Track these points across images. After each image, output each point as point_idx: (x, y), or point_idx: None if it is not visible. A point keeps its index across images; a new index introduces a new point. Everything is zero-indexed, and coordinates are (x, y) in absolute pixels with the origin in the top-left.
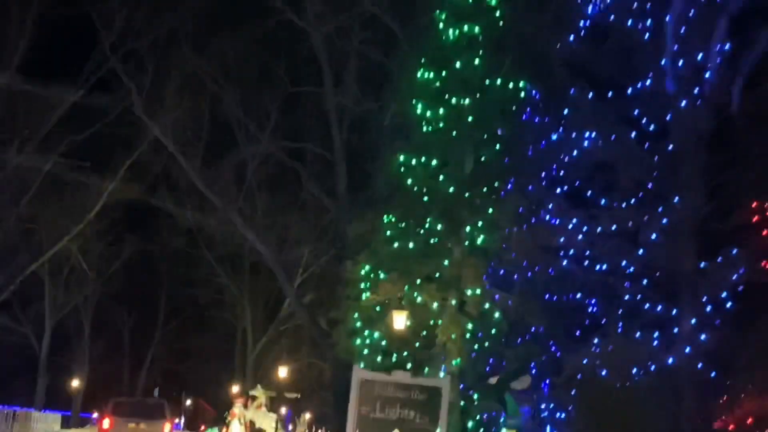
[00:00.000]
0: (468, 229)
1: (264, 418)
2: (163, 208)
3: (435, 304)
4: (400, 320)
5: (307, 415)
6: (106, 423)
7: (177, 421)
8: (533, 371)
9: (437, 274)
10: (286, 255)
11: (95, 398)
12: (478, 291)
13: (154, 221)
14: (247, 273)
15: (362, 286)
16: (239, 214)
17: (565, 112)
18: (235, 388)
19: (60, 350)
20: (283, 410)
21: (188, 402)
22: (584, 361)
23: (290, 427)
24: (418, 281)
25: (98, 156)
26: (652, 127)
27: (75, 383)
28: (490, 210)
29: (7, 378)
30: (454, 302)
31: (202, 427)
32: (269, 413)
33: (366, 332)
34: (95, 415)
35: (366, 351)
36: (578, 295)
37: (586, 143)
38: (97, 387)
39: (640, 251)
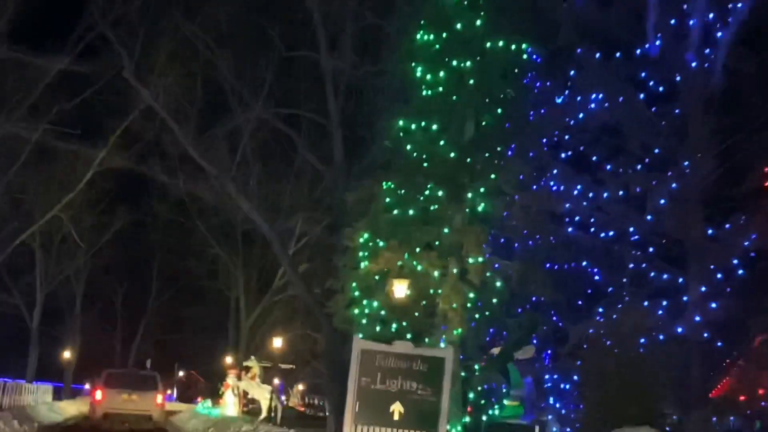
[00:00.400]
0: (469, 195)
1: (258, 389)
2: (155, 178)
3: (436, 273)
4: (400, 289)
5: (300, 387)
6: (98, 394)
7: (169, 392)
8: (536, 341)
9: (438, 242)
10: (280, 224)
11: (87, 370)
12: (480, 259)
13: (145, 191)
14: (240, 243)
15: (361, 254)
16: (233, 183)
17: (571, 73)
18: (229, 360)
19: (51, 322)
20: (276, 381)
21: (181, 373)
22: (589, 331)
23: (283, 398)
24: (418, 249)
25: (88, 125)
26: (660, 89)
27: (67, 355)
28: (492, 176)
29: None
30: (455, 271)
31: (199, 399)
32: (263, 384)
33: (365, 302)
34: (87, 386)
35: (365, 321)
36: (582, 263)
37: (592, 105)
38: (89, 359)
39: (648, 217)
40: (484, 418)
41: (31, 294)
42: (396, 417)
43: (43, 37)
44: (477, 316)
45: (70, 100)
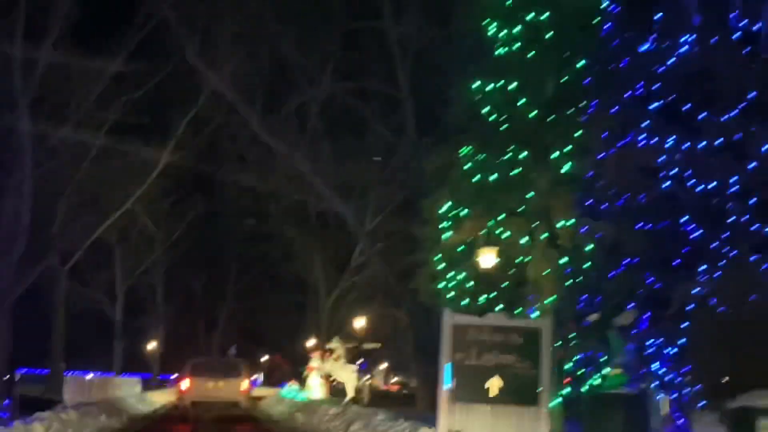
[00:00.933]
0: (554, 155)
1: (343, 370)
2: (225, 165)
3: (523, 239)
4: (488, 258)
5: (383, 366)
6: (185, 384)
7: (255, 377)
8: (634, 305)
9: (523, 207)
10: (354, 201)
11: (173, 360)
12: (569, 222)
13: (216, 179)
14: (314, 225)
15: (443, 225)
16: (304, 161)
17: (656, 17)
18: (311, 342)
19: (134, 314)
20: (360, 362)
21: (265, 358)
22: (693, 291)
23: (366, 378)
24: (503, 216)
25: (155, 117)
26: (755, 28)
27: (151, 346)
28: (577, 133)
29: (85, 345)
30: (543, 236)
31: (285, 383)
32: (348, 365)
33: (450, 274)
34: (174, 376)
35: (451, 294)
36: (679, 220)
37: (681, 50)
38: (173, 349)
39: (749, 166)
40: (583, 389)
41: (112, 288)
42: (494, 393)
43: (100, 36)
44: (569, 282)
45: (135, 93)
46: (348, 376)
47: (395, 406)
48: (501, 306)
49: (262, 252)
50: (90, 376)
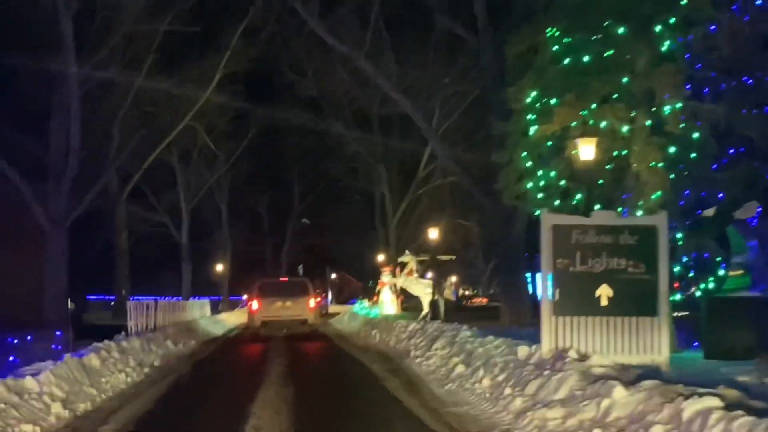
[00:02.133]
0: (656, 29)
1: (416, 284)
2: (284, 77)
3: (623, 128)
4: (587, 150)
5: (453, 278)
6: (255, 304)
7: (324, 295)
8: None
9: (621, 92)
10: (423, 102)
11: (241, 280)
12: (677, 105)
13: (275, 93)
14: (378, 136)
15: (529, 117)
16: (368, 60)
17: None
18: (381, 257)
19: (200, 237)
20: (429, 275)
21: (333, 276)
22: None
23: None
24: (599, 103)
25: (208, 28)
26: None
27: (219, 267)
28: (683, 1)
29: (153, 269)
30: (647, 123)
31: (354, 299)
32: (421, 279)
33: (539, 172)
34: (245, 297)
35: (540, 195)
36: None
37: None
38: (241, 269)
39: None
40: (698, 293)
41: (176, 211)
42: (604, 302)
43: None
44: (677, 174)
45: (186, 2)
46: (422, 290)
47: (473, 321)
48: (598, 206)
49: (325, 168)
50: (157, 300)
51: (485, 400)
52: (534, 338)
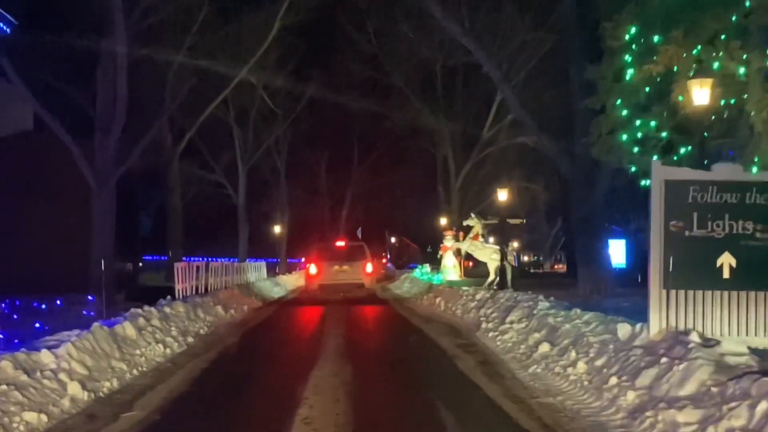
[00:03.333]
0: None
1: (482, 249)
2: (343, 33)
3: (738, 71)
4: (702, 94)
5: (515, 244)
6: (313, 268)
7: (387, 259)
8: None
9: (736, 29)
10: (495, 51)
11: (300, 242)
12: None
13: (336, 51)
14: (441, 93)
15: (626, 58)
16: (437, 4)
17: None
18: (443, 221)
19: (258, 198)
20: (491, 240)
21: (392, 240)
22: None
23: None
24: (709, 41)
25: None
26: None
27: (277, 229)
28: None
29: (209, 230)
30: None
31: (413, 264)
32: (488, 244)
33: (637, 122)
34: (303, 259)
35: (636, 149)
36: None
37: None
38: (299, 231)
39: None
40: None
41: (233, 171)
42: (726, 273)
43: None
44: None
45: None
46: (488, 255)
47: (541, 289)
48: (705, 161)
49: (386, 128)
50: (208, 261)
51: (583, 389)
52: (625, 312)
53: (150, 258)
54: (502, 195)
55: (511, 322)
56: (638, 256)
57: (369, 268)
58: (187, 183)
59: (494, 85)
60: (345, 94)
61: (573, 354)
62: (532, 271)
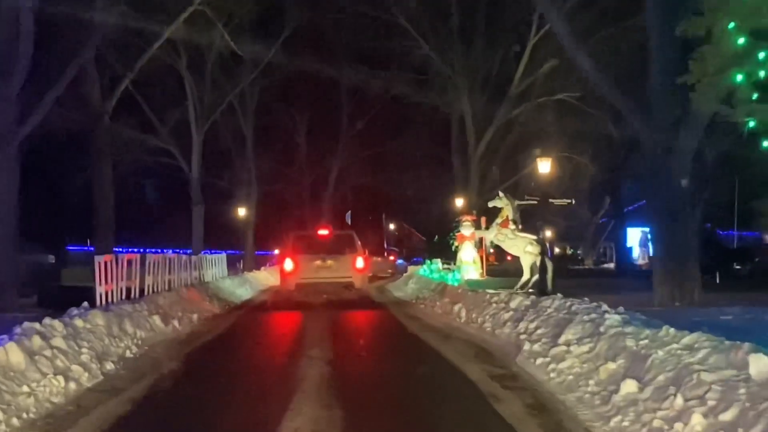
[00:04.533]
0: None
1: (513, 240)
2: None
3: None
4: None
5: (548, 233)
6: (288, 264)
7: (396, 254)
8: None
9: None
10: None
11: (271, 230)
12: None
13: None
14: (457, 34)
15: None
16: None
17: None
18: (459, 202)
19: (218, 171)
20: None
21: (391, 226)
22: None
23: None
24: None
25: None
26: None
27: (242, 212)
28: None
29: (155, 213)
30: None
31: (416, 258)
32: (521, 233)
33: (760, 54)
34: (276, 252)
35: (756, 95)
36: None
37: None
38: (271, 216)
39: None
40: None
41: (186, 136)
42: None
43: None
44: None
45: None
46: (522, 248)
47: (596, 293)
48: None
49: (384, 82)
50: (145, 253)
51: None
52: (737, 331)
53: (78, 248)
54: (544, 166)
55: (568, 344)
56: (711, 249)
57: (360, 262)
58: (124, 150)
59: (527, 22)
60: (332, 36)
61: (679, 400)
62: (570, 268)
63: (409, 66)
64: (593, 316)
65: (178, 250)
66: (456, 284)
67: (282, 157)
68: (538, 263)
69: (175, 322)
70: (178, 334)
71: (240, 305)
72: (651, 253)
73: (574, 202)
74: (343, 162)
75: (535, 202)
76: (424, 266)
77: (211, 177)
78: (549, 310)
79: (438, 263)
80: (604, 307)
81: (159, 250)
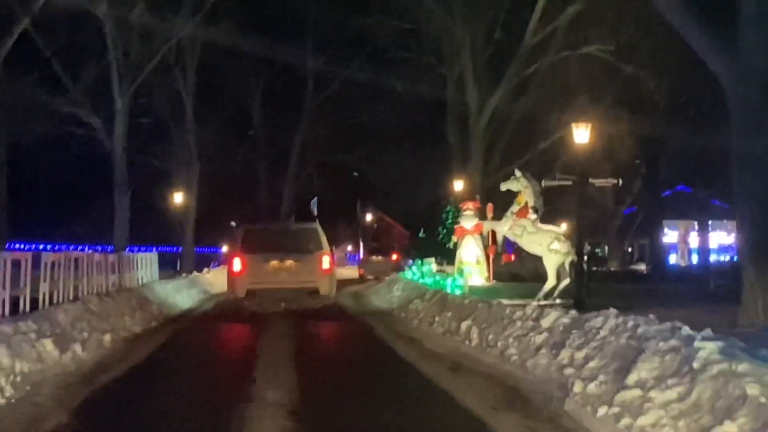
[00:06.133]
0: None
1: (534, 234)
2: None
3: None
4: None
5: (563, 225)
6: (237, 264)
7: (400, 256)
8: None
9: None
10: None
11: (218, 223)
12: None
13: None
14: None
15: None
16: None
17: None
18: (458, 185)
19: (149, 147)
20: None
21: (368, 217)
22: None
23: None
24: None
25: None
26: None
27: (178, 199)
28: None
29: (67, 198)
30: None
31: (396, 257)
32: (545, 226)
33: None
34: (224, 249)
35: None
36: None
37: None
38: (218, 204)
39: None
40: None
41: (107, 100)
42: None
43: None
44: None
45: None
46: (546, 245)
47: (643, 306)
48: None
49: (364, 31)
50: (42, 251)
51: None
52: None
53: None
54: (581, 134)
55: (643, 385)
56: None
57: (326, 262)
58: (24, 115)
59: None
60: None
61: None
62: (594, 270)
63: (393, 10)
64: (673, 343)
65: (96, 247)
66: (459, 293)
67: (232, 130)
68: (567, 265)
69: (77, 347)
70: (80, 365)
71: (175, 318)
72: (701, 253)
73: (621, 182)
74: (308, 136)
75: (570, 183)
76: (413, 268)
77: (141, 154)
78: (602, 333)
79: (431, 264)
80: (686, 329)
81: (68, 246)
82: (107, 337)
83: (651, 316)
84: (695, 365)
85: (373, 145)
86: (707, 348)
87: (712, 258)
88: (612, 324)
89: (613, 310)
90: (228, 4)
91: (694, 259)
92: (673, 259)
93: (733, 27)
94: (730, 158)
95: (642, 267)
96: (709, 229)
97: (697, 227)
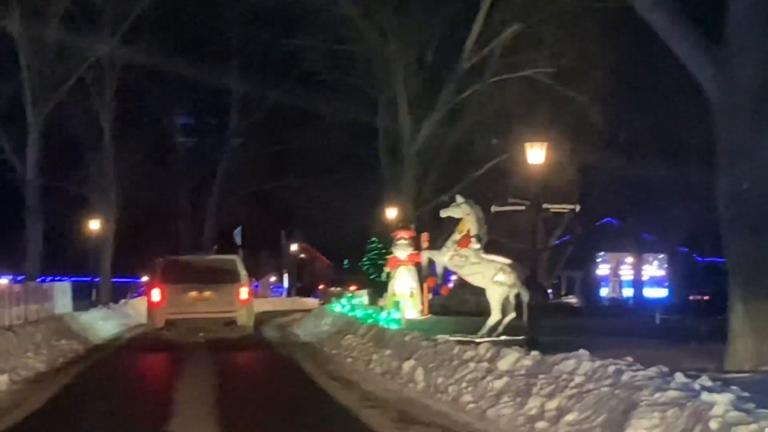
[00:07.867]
0: None
1: (477, 265)
2: None
3: None
4: None
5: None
6: (156, 294)
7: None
8: None
9: None
10: None
11: (136, 252)
12: None
13: None
14: None
15: None
16: None
17: None
18: (392, 213)
19: (63, 172)
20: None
21: (293, 247)
22: None
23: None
24: None
25: None
26: None
27: (95, 226)
28: None
29: None
30: None
31: (322, 288)
32: (489, 256)
33: None
34: (144, 279)
35: None
36: None
37: None
38: (137, 233)
39: None
40: None
41: (18, 121)
42: None
43: None
44: None
45: None
46: (490, 277)
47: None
48: None
49: (290, 49)
50: None
51: None
52: None
53: None
54: (535, 155)
55: None
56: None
57: (243, 293)
58: None
59: None
60: None
61: None
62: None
63: (323, 31)
64: (673, 394)
65: (7, 276)
66: (396, 328)
67: (153, 154)
68: (511, 298)
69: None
70: None
71: (86, 354)
72: (635, 286)
73: (578, 208)
74: (232, 162)
75: (523, 208)
76: (341, 300)
77: (55, 179)
78: (577, 379)
79: (364, 297)
80: (679, 376)
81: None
82: (3, 378)
83: (629, 358)
84: (713, 426)
85: (301, 173)
86: (720, 403)
87: (645, 292)
88: (587, 368)
89: (584, 352)
90: (150, 22)
91: (625, 292)
92: (603, 291)
93: (720, 34)
94: (714, 190)
95: (573, 300)
96: (643, 261)
97: (630, 260)
